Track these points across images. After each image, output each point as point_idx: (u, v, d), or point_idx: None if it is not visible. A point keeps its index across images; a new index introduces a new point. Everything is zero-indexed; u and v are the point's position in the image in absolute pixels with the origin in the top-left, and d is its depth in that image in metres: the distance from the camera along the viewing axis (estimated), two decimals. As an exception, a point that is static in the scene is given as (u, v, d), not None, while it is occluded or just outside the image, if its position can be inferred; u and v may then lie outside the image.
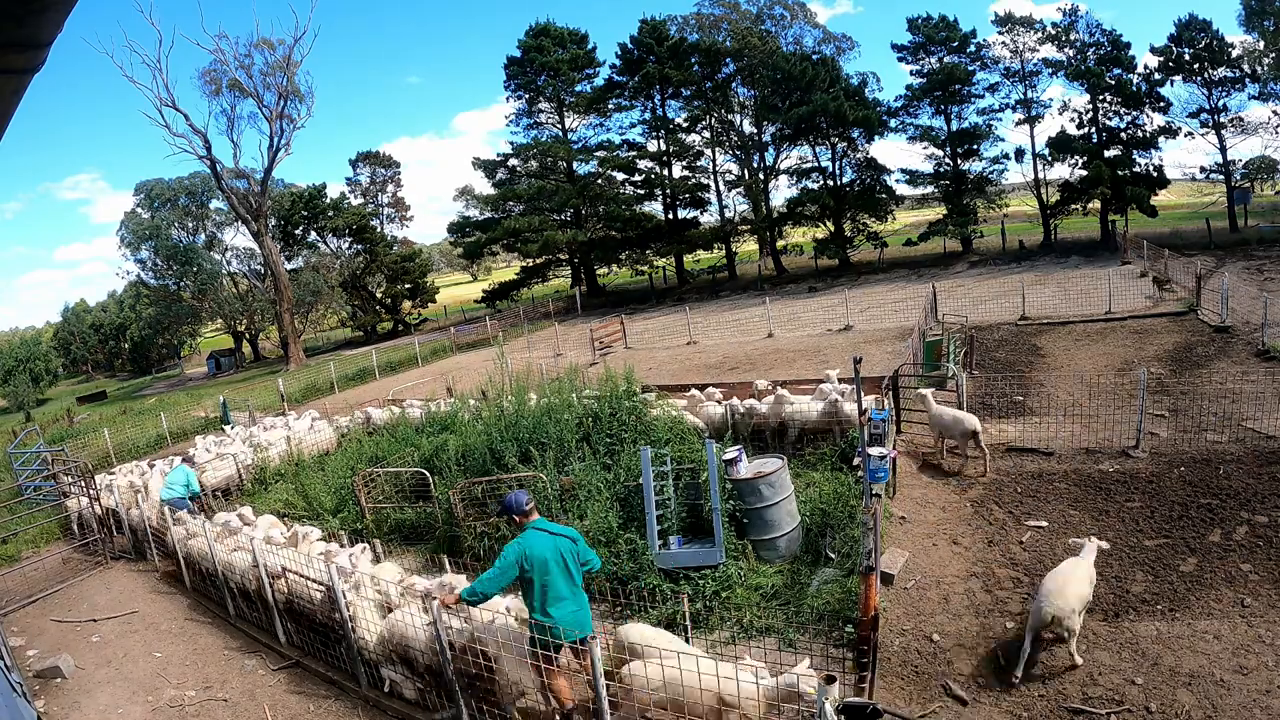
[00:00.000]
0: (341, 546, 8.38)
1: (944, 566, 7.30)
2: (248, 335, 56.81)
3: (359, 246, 53.16)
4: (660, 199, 45.99)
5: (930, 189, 40.69)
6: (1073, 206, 36.58)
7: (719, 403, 11.40)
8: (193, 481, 11.36)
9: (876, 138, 39.78)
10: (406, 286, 54.10)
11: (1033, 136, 37.86)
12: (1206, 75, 33.40)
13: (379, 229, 54.73)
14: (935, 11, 38.33)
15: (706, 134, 45.67)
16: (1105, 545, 6.35)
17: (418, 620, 5.97)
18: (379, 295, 54.70)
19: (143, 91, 69.73)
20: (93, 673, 7.78)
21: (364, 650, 6.44)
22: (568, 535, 5.42)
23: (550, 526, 5.42)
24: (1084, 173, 34.70)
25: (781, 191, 68.89)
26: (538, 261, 48.35)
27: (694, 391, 11.93)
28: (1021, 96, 37.62)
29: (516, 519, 5.48)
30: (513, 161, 47.33)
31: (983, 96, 38.03)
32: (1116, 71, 33.93)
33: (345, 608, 6.42)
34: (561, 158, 44.91)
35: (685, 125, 45.09)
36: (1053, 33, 35.88)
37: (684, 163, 45.89)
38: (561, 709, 5.42)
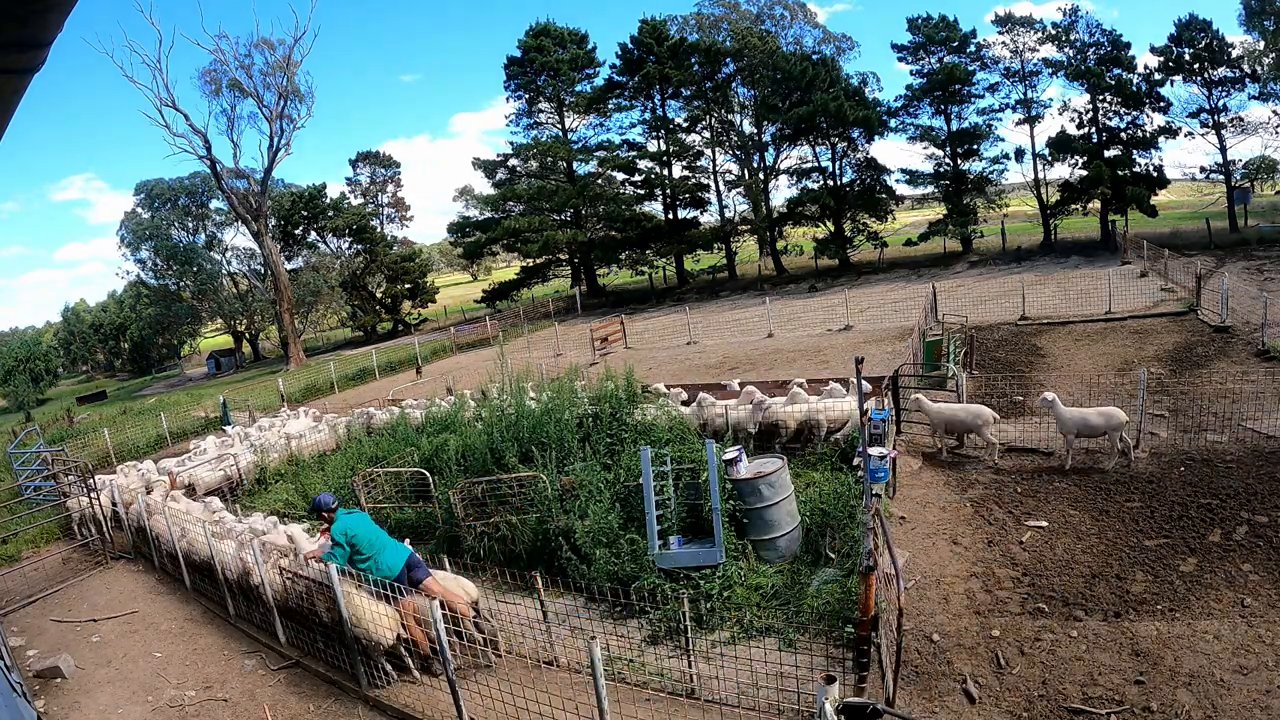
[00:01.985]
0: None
1: (944, 566, 7.30)
2: (248, 335, 56.78)
3: (359, 246, 53.17)
4: (660, 199, 45.99)
5: (930, 189, 40.71)
6: (1073, 206, 36.56)
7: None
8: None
9: (876, 138, 39.82)
10: (406, 286, 54.10)
11: (1033, 136, 37.91)
12: (1206, 75, 33.39)
13: (379, 229, 54.75)
14: (931, 11, 38.36)
15: (706, 134, 45.67)
16: None
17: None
18: (379, 295, 54.71)
19: (143, 91, 69.78)
20: (93, 673, 7.78)
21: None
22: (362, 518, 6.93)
23: (352, 513, 6.93)
24: (1084, 173, 34.69)
25: (781, 191, 68.80)
26: (538, 261, 48.35)
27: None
28: (1021, 96, 37.64)
29: (325, 515, 6.99)
30: (513, 161, 47.36)
31: (983, 96, 38.08)
32: (1116, 71, 33.92)
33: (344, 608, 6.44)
34: (561, 158, 44.91)
35: (685, 125, 45.08)
36: (1053, 33, 35.88)
37: (684, 163, 45.90)
38: (419, 651, 6.56)
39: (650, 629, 6.89)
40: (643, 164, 44.90)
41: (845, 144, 40.03)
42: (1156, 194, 34.21)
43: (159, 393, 43.22)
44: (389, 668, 6.60)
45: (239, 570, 8.18)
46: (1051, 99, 40.15)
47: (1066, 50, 35.56)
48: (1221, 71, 33.13)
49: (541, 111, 46.73)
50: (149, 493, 11.82)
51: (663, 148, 44.62)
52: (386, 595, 6.26)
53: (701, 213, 47.19)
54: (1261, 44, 32.37)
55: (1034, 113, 37.48)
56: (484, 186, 51.16)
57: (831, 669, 5.58)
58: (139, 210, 50.36)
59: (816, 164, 41.46)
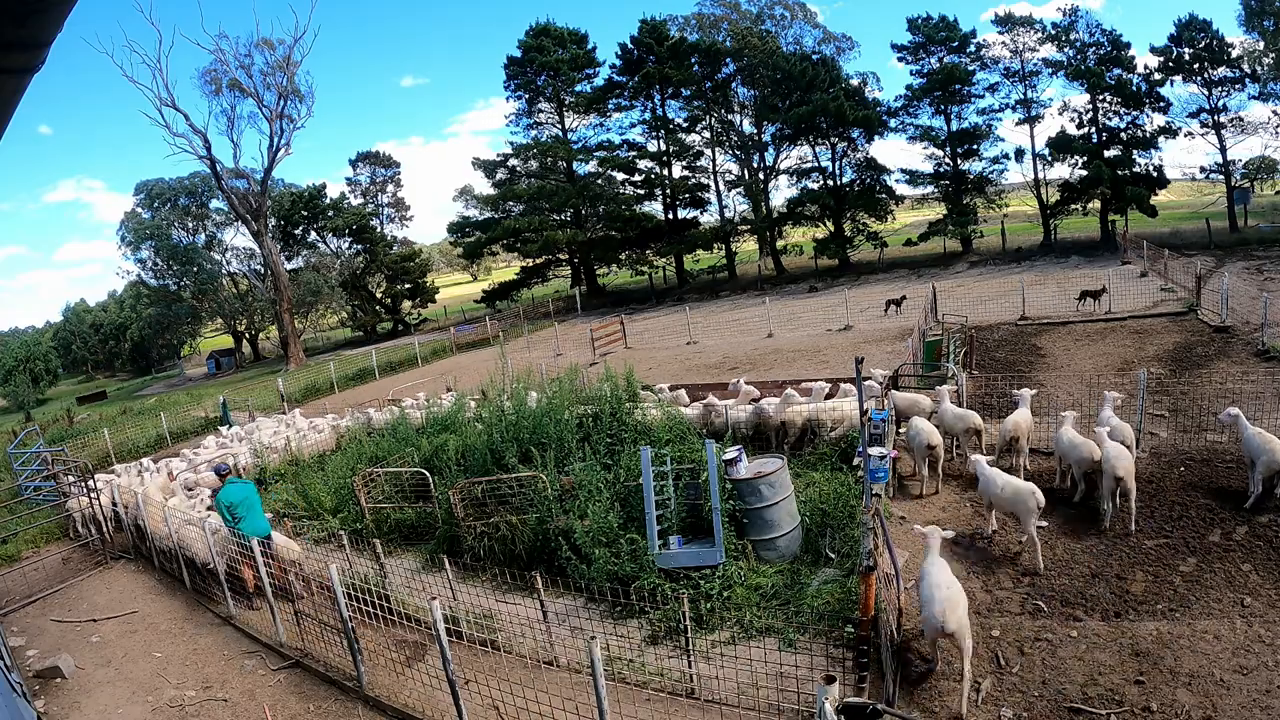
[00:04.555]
0: (341, 547, 8.70)
1: (944, 566, 7.29)
2: (248, 335, 56.78)
3: (359, 246, 53.18)
4: (660, 199, 46.01)
5: (930, 189, 40.75)
6: (1073, 206, 36.60)
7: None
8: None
9: (876, 138, 39.94)
10: (406, 286, 54.11)
11: (1033, 136, 37.96)
12: (1206, 75, 33.39)
13: (379, 229, 54.76)
14: (930, 10, 38.37)
15: (706, 134, 45.71)
16: None
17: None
18: (379, 295, 54.71)
19: (143, 91, 69.67)
20: (93, 673, 7.78)
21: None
22: (244, 486, 9.02)
23: (237, 482, 9.10)
24: (1084, 173, 34.72)
25: (781, 191, 68.80)
26: (538, 261, 48.38)
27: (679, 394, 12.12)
28: (1021, 96, 37.69)
29: (220, 477, 9.19)
30: (513, 161, 47.37)
31: (983, 96, 38.16)
32: (1116, 71, 33.94)
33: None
34: (561, 158, 44.93)
35: (685, 125, 45.12)
36: (1053, 33, 35.91)
37: (684, 163, 45.94)
38: (250, 585, 8.49)
39: (650, 629, 6.89)
40: (643, 164, 44.92)
41: (845, 144, 40.06)
42: (1156, 194, 34.22)
43: (159, 393, 43.23)
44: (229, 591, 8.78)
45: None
46: (1051, 99, 40.13)
47: (1066, 50, 35.59)
48: (1221, 71, 33.13)
49: (541, 111, 46.80)
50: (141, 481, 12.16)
51: (663, 148, 44.64)
52: (252, 546, 7.90)
53: (701, 213, 47.28)
54: (1261, 44, 32.36)
55: (1034, 113, 37.59)
56: (484, 186, 51.25)
57: (831, 669, 5.58)
58: (139, 210, 50.38)
59: (816, 164, 41.51)
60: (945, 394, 9.81)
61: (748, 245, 50.41)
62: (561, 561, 7.72)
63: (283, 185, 51.06)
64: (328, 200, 52.35)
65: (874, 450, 6.79)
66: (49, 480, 14.46)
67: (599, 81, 45.10)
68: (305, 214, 51.38)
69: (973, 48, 37.68)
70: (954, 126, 38.31)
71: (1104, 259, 29.34)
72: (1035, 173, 37.76)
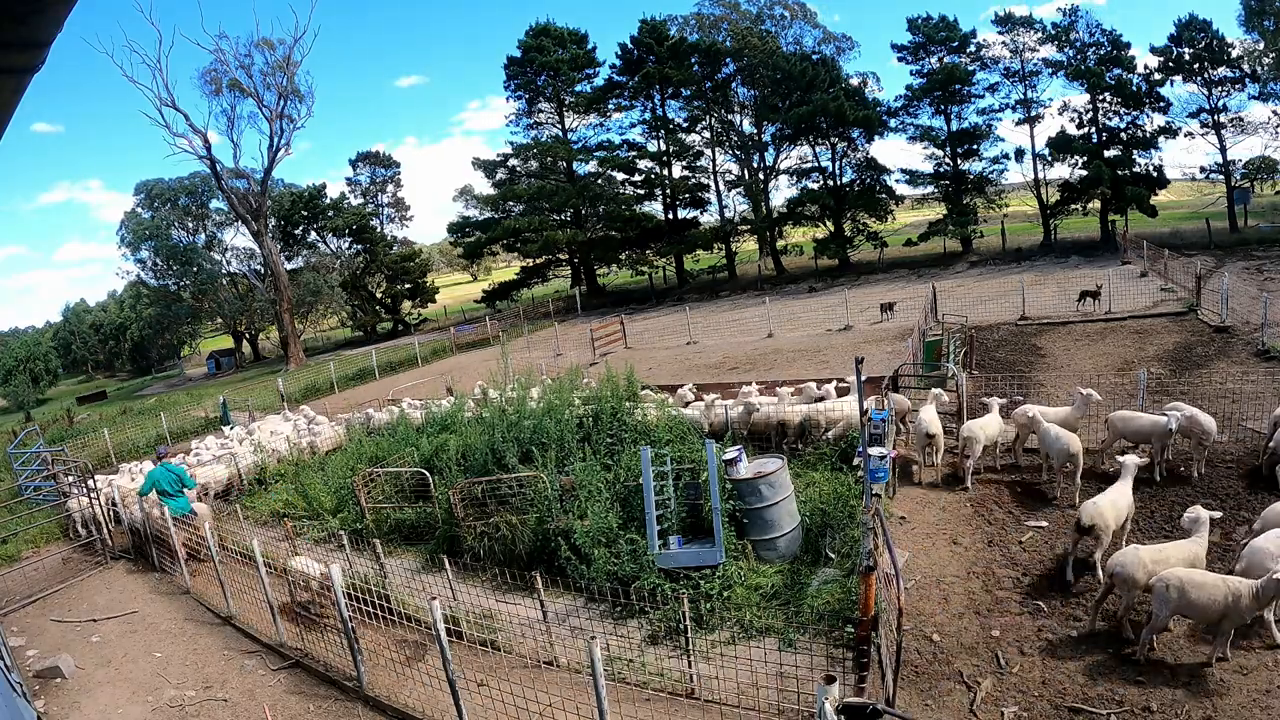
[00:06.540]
0: (341, 547, 8.63)
1: (944, 566, 7.30)
2: (248, 335, 56.78)
3: (359, 246, 53.16)
4: (660, 199, 46.00)
5: (930, 189, 40.70)
6: (1073, 206, 36.58)
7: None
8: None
9: (876, 138, 39.89)
10: (406, 286, 54.09)
11: (1033, 136, 37.92)
12: (1206, 75, 33.37)
13: (379, 229, 54.75)
14: (930, 10, 38.37)
15: (706, 134, 45.68)
16: None
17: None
18: (379, 295, 54.68)
19: (143, 91, 69.68)
20: (93, 673, 7.78)
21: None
22: (174, 471, 10.39)
23: (168, 466, 10.52)
24: (1084, 173, 34.70)
25: (781, 191, 68.73)
26: (538, 261, 48.37)
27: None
28: (1021, 96, 37.65)
29: (156, 459, 11.34)
30: (512, 161, 47.35)
31: (983, 96, 38.09)
32: (1116, 71, 33.91)
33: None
34: (561, 158, 44.92)
35: (685, 125, 45.10)
36: (1053, 33, 35.88)
37: (684, 163, 45.90)
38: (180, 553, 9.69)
39: (650, 629, 6.90)
40: (643, 164, 44.91)
41: (845, 144, 40.05)
42: (1156, 194, 34.20)
43: (159, 393, 43.23)
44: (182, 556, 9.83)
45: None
46: (1051, 99, 40.03)
47: (1066, 50, 35.55)
48: (1221, 71, 33.12)
49: (541, 111, 46.78)
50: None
51: (663, 148, 44.63)
52: (178, 519, 9.77)
53: (701, 213, 47.25)
54: (1261, 44, 32.34)
55: (1034, 113, 37.54)
56: (484, 186, 51.26)
57: (831, 669, 5.59)
58: (139, 210, 50.35)
59: (816, 164, 41.50)
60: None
61: (748, 245, 50.37)
62: (561, 561, 7.72)
63: (282, 185, 51.06)
64: (328, 200, 52.35)
65: (874, 450, 6.78)
66: (49, 480, 14.45)
67: (599, 81, 45.12)
68: (305, 214, 51.37)
69: (973, 48, 37.65)
70: (954, 126, 38.29)
71: (1104, 259, 29.34)
72: (1035, 173, 37.77)
